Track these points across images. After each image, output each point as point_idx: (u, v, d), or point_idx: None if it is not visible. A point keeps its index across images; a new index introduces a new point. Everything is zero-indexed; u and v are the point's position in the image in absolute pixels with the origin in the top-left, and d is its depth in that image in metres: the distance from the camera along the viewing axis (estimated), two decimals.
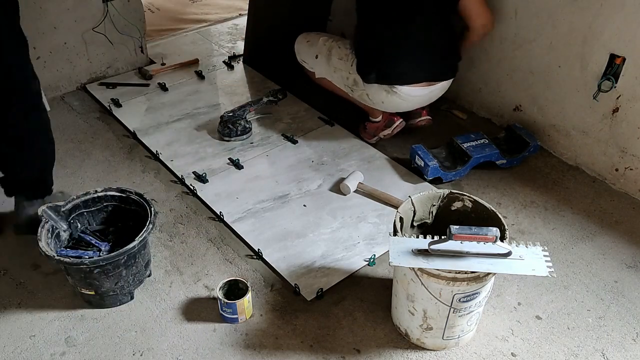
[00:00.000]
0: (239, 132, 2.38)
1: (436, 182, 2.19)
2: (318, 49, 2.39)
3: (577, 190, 2.16)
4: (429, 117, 2.41)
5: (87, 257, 1.65)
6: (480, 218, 1.55)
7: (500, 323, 1.68)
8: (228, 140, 2.39)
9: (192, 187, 2.15)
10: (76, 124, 2.51)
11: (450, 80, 2.25)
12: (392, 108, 2.27)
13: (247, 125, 2.41)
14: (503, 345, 1.62)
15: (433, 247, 1.37)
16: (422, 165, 2.17)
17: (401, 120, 2.35)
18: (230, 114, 2.40)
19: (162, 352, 1.59)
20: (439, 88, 2.22)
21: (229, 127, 2.37)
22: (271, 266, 1.84)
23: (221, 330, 1.65)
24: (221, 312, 1.65)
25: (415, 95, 2.19)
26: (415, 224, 1.65)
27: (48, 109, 2.46)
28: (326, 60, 2.35)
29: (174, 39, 3.23)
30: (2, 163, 1.82)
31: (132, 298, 1.73)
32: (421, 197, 1.61)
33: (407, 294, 1.51)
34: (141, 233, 1.62)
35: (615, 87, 2.02)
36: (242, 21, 3.46)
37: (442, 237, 1.36)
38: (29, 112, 1.74)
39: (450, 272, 1.38)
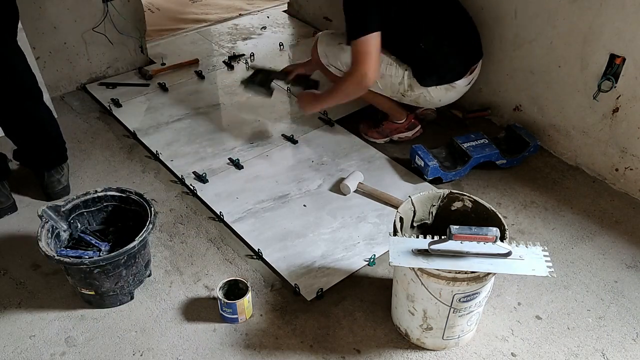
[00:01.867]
0: (256, 82, 2.41)
1: (436, 182, 2.19)
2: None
3: (577, 190, 2.16)
4: (434, 108, 2.45)
5: (87, 257, 1.65)
6: (480, 218, 1.55)
7: (500, 323, 1.68)
8: (245, 85, 2.44)
9: (192, 187, 2.15)
10: (76, 124, 2.51)
11: (481, 61, 2.29)
12: (446, 101, 2.30)
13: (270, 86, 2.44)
14: (503, 345, 1.62)
15: (433, 247, 1.37)
16: (422, 165, 2.17)
17: (420, 126, 2.40)
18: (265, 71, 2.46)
19: (162, 352, 1.59)
20: (477, 71, 2.27)
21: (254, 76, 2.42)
22: (271, 266, 1.84)
23: (221, 330, 1.65)
24: (221, 312, 1.65)
25: (465, 85, 2.24)
26: (415, 224, 1.65)
27: (55, 116, 2.51)
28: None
29: (174, 39, 3.23)
30: (24, 143, 2.06)
31: (132, 298, 1.73)
32: (421, 197, 1.61)
33: (407, 294, 1.51)
34: (141, 233, 1.62)
35: (615, 87, 2.02)
36: (242, 21, 3.47)
37: (442, 237, 1.36)
38: (40, 100, 2.01)
39: (450, 272, 1.38)
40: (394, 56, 2.17)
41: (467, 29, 2.24)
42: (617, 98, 2.04)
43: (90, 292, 1.65)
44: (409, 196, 1.61)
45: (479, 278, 1.40)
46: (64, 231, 1.73)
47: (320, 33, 2.36)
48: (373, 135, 2.42)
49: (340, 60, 2.20)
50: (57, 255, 1.59)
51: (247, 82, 2.43)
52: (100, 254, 1.68)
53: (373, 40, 1.96)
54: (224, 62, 2.98)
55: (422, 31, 2.12)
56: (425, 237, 1.42)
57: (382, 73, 2.16)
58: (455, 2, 2.22)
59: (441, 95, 2.22)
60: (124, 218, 1.81)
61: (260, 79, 2.43)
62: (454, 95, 2.26)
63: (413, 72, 2.16)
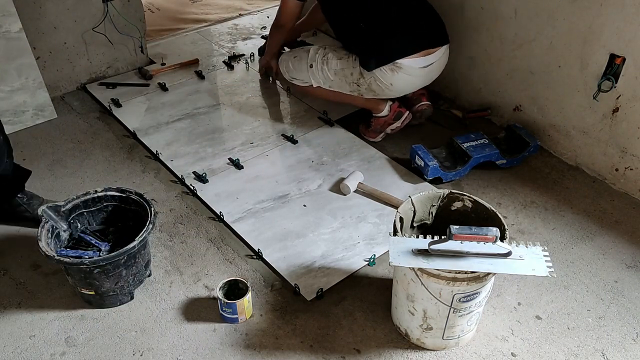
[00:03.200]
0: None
1: (436, 182, 2.19)
2: (310, 58, 2.38)
3: (577, 190, 2.16)
4: (429, 103, 2.44)
5: (87, 257, 1.65)
6: (480, 218, 1.55)
7: (500, 323, 1.68)
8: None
9: (192, 187, 2.15)
10: (76, 124, 2.51)
11: (445, 49, 2.28)
12: (403, 87, 2.29)
13: None
14: (503, 345, 1.62)
15: (433, 247, 1.37)
16: (422, 165, 2.17)
17: (408, 112, 2.37)
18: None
19: (162, 352, 1.59)
20: (438, 57, 2.25)
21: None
22: (271, 266, 1.84)
23: (221, 330, 1.65)
24: (221, 312, 1.66)
25: (419, 67, 2.22)
26: (415, 224, 1.65)
27: (55, 116, 2.52)
28: (323, 65, 2.34)
29: (174, 39, 3.23)
30: None
31: (132, 298, 1.73)
32: (421, 197, 1.61)
33: (407, 294, 1.51)
34: (141, 233, 1.62)
35: (615, 87, 2.02)
36: (242, 21, 3.47)
37: (442, 237, 1.36)
38: None
39: (450, 272, 1.38)
40: (344, 51, 2.31)
41: (422, 13, 2.27)
42: (617, 98, 2.04)
43: (90, 292, 1.65)
44: (409, 196, 1.61)
45: (479, 278, 1.40)
46: (64, 231, 1.73)
47: (282, 56, 2.56)
48: (370, 135, 2.42)
49: (300, 70, 2.42)
50: (57, 255, 1.59)
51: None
52: (100, 254, 1.68)
53: (288, 4, 2.46)
54: (224, 62, 2.98)
55: (363, 12, 2.22)
56: (425, 237, 1.42)
57: (335, 69, 2.31)
58: None
59: (390, 78, 2.22)
60: (124, 218, 1.81)
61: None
62: (409, 79, 2.24)
63: (360, 59, 2.24)
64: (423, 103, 2.43)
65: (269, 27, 3.34)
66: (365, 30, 2.21)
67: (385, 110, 2.36)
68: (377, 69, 2.20)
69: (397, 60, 2.17)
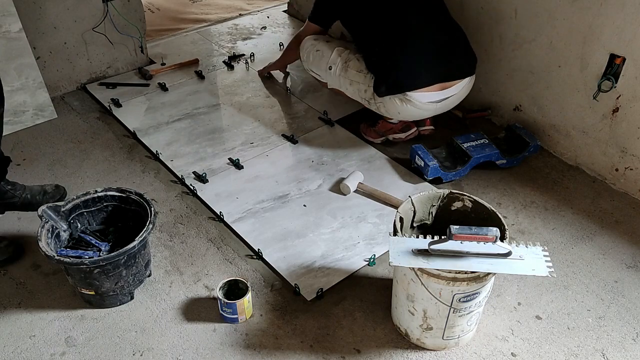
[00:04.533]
0: None
1: (436, 182, 2.19)
2: (332, 60, 2.31)
3: (577, 190, 2.16)
4: (432, 127, 2.40)
5: (87, 257, 1.65)
6: (480, 218, 1.55)
7: (500, 323, 1.68)
8: None
9: (192, 187, 2.15)
10: (76, 124, 2.51)
11: (467, 81, 2.20)
12: (409, 117, 2.26)
13: None
14: (503, 345, 1.62)
15: (433, 247, 1.37)
16: (422, 165, 2.17)
17: (416, 128, 2.36)
18: None
19: (162, 352, 1.59)
20: (455, 90, 2.18)
21: None
22: (271, 266, 1.84)
23: (221, 330, 1.65)
24: (221, 312, 1.66)
25: (429, 101, 2.15)
26: (415, 224, 1.65)
27: (55, 116, 2.52)
28: (342, 73, 2.29)
29: (174, 39, 3.23)
30: None
31: (132, 298, 1.73)
32: (421, 197, 1.61)
33: (407, 294, 1.51)
34: (141, 233, 1.62)
35: (615, 87, 2.02)
36: (242, 21, 3.47)
37: (442, 237, 1.36)
38: None
39: (450, 272, 1.38)
40: (364, 64, 2.23)
41: (448, 41, 2.16)
42: (617, 98, 2.04)
43: (90, 292, 1.65)
44: (409, 196, 1.61)
45: (479, 278, 1.40)
46: (64, 231, 1.73)
47: (306, 37, 2.46)
48: (371, 135, 2.42)
49: (319, 67, 2.38)
50: (57, 255, 1.59)
51: None
52: (100, 254, 1.68)
53: (309, 27, 2.46)
54: (224, 62, 2.98)
55: (383, 36, 2.13)
56: (425, 237, 1.42)
57: (351, 80, 2.27)
58: (444, 17, 2.18)
59: (398, 107, 2.16)
60: (124, 218, 1.81)
61: None
62: (415, 110, 2.17)
63: (374, 80, 2.18)
64: (427, 127, 2.39)
65: (269, 28, 3.36)
66: (380, 54, 2.14)
67: (395, 119, 2.35)
68: (386, 97, 2.16)
69: (408, 93, 2.11)
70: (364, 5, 2.20)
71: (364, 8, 2.20)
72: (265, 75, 2.86)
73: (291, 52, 2.62)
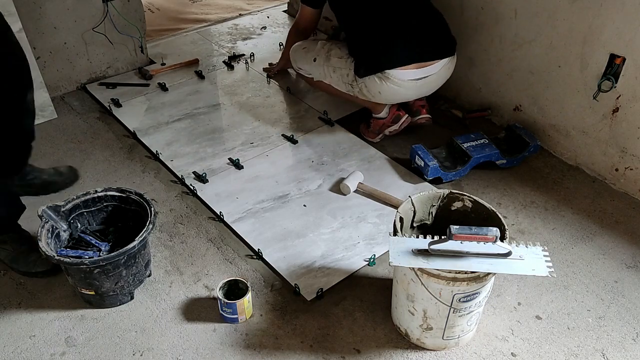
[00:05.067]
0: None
1: (436, 182, 2.19)
2: (316, 52, 2.40)
3: (577, 190, 2.16)
4: (429, 116, 2.41)
5: (87, 257, 1.65)
6: (480, 218, 1.55)
7: (500, 323, 1.68)
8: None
9: (192, 187, 2.15)
10: (76, 124, 2.51)
11: (446, 61, 2.24)
12: (391, 97, 2.28)
13: None
14: (503, 345, 1.62)
15: (433, 247, 1.37)
16: (422, 165, 2.17)
17: (407, 115, 2.36)
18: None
19: (162, 352, 1.59)
20: (435, 70, 2.22)
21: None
22: (271, 266, 1.84)
23: (221, 330, 1.65)
24: (221, 312, 1.66)
25: (409, 79, 2.20)
26: (415, 224, 1.65)
27: (55, 116, 2.52)
28: (325, 61, 2.36)
29: (174, 39, 3.23)
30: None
31: (132, 298, 1.73)
32: (421, 197, 1.61)
33: (407, 294, 1.51)
34: (141, 233, 1.62)
35: (615, 87, 2.02)
36: (242, 21, 3.47)
37: (442, 237, 1.36)
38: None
39: (450, 272, 1.38)
40: (346, 50, 2.32)
41: (426, 23, 2.23)
42: (617, 98, 2.04)
43: (90, 292, 1.65)
44: (409, 196, 1.61)
45: (479, 278, 1.40)
46: (64, 231, 1.73)
47: (294, 45, 2.56)
48: (369, 135, 2.42)
49: (306, 61, 2.46)
50: (57, 255, 1.59)
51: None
52: (100, 254, 1.68)
53: (304, 11, 2.55)
54: (224, 62, 2.98)
55: (361, 16, 2.23)
56: (425, 237, 1.42)
57: (334, 67, 2.34)
58: (422, 2, 2.25)
59: (378, 86, 2.21)
60: (124, 218, 1.80)
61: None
62: (398, 90, 2.21)
63: (354, 62, 2.26)
64: (423, 116, 2.40)
65: (269, 28, 3.36)
66: (360, 36, 2.23)
67: (383, 113, 2.36)
68: (366, 77, 2.21)
69: (386, 70, 2.16)
70: None
71: None
72: (275, 74, 2.87)
73: (292, 40, 2.65)
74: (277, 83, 2.81)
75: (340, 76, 2.32)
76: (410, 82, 2.19)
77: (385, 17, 2.18)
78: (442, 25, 2.26)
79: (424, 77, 2.21)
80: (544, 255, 1.39)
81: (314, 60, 2.41)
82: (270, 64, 2.94)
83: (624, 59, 1.96)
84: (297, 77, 2.75)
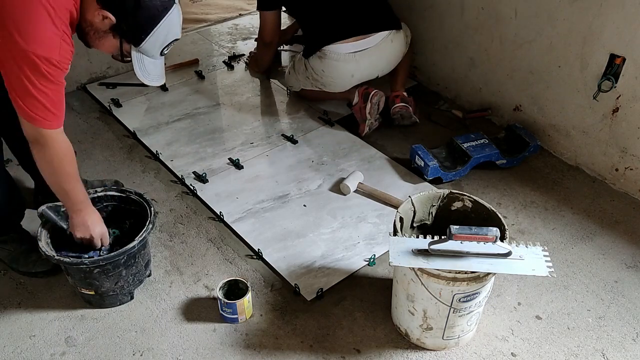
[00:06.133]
0: None
1: (436, 182, 2.19)
2: (290, 66, 2.59)
3: (577, 190, 2.16)
4: (404, 104, 2.38)
5: (86, 256, 1.65)
6: (480, 218, 1.55)
7: (500, 323, 1.68)
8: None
9: (192, 187, 2.15)
10: (76, 124, 2.51)
11: (387, 34, 2.31)
12: (336, 74, 2.35)
13: None
14: (503, 345, 1.62)
15: (433, 247, 1.37)
16: (422, 165, 2.17)
17: (376, 90, 2.36)
18: None
19: (162, 352, 1.59)
20: (374, 42, 2.28)
21: None
22: (271, 266, 1.84)
23: (221, 330, 1.65)
24: (221, 312, 1.66)
25: (346, 52, 2.26)
26: (415, 224, 1.65)
27: None
28: (293, 70, 2.53)
29: None
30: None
31: (132, 298, 1.73)
32: (421, 197, 1.61)
33: (407, 294, 1.51)
34: (141, 233, 1.62)
35: (615, 87, 2.02)
36: (242, 21, 3.47)
37: (442, 237, 1.36)
38: None
39: (450, 272, 1.38)
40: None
41: (369, 4, 2.32)
42: (617, 98, 2.04)
43: (90, 292, 1.65)
44: (409, 196, 1.61)
45: (479, 278, 1.40)
46: (64, 231, 1.73)
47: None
48: (360, 129, 2.42)
49: (289, 77, 2.61)
50: (57, 255, 1.59)
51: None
52: (100, 254, 1.68)
53: (267, 17, 2.53)
54: (224, 62, 2.98)
55: (305, 7, 2.36)
56: (425, 237, 1.42)
57: (298, 69, 2.48)
58: None
59: (320, 65, 2.33)
60: (124, 218, 1.80)
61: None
62: (340, 65, 2.31)
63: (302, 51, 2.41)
64: (397, 105, 2.39)
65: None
66: (304, 20, 2.38)
67: (355, 97, 2.41)
68: (310, 58, 2.33)
69: (324, 47, 2.27)
70: None
71: None
72: (264, 75, 2.89)
73: (264, 55, 2.74)
74: (277, 83, 2.81)
75: (302, 73, 2.44)
76: (348, 55, 2.28)
77: (321, 3, 2.31)
78: (381, 2, 2.37)
79: (363, 50, 2.29)
80: (544, 255, 1.40)
81: (289, 73, 2.56)
82: (251, 53, 3.00)
83: (624, 59, 1.96)
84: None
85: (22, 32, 1.31)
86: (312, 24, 2.38)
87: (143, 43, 1.50)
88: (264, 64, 2.81)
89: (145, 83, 1.61)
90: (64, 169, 1.50)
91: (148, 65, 1.57)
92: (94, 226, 1.62)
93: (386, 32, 2.32)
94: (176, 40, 1.60)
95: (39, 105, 1.38)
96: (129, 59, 1.55)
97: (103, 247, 1.73)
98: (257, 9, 2.53)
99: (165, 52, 1.58)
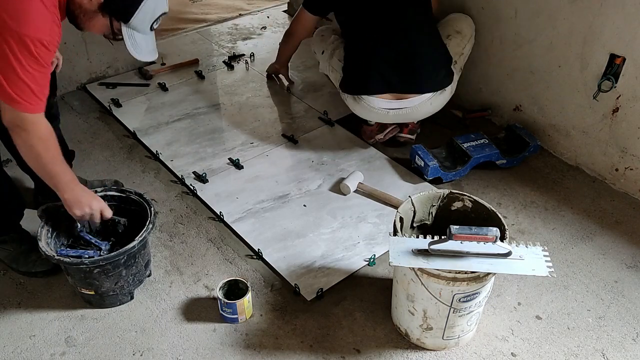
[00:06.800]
0: None
1: (436, 182, 2.19)
2: (326, 45, 2.41)
3: (577, 190, 2.16)
4: (409, 136, 2.35)
5: (87, 256, 1.65)
6: (480, 218, 1.55)
7: (500, 323, 1.68)
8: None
9: (192, 187, 2.15)
10: (76, 124, 2.51)
11: (430, 97, 2.16)
12: (367, 116, 2.29)
13: None
14: (503, 345, 1.62)
15: (433, 247, 1.37)
16: (422, 165, 2.17)
17: (394, 126, 2.35)
18: None
19: (162, 352, 1.59)
20: (412, 104, 2.16)
21: None
22: (271, 266, 1.84)
23: (221, 330, 1.65)
24: (221, 312, 1.66)
25: (382, 108, 2.17)
26: (415, 224, 1.65)
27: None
28: (328, 58, 2.37)
29: (174, 39, 3.23)
30: None
31: (132, 298, 1.73)
32: (421, 197, 1.61)
33: (407, 294, 1.51)
34: (141, 233, 1.62)
35: (615, 87, 2.02)
36: (242, 21, 3.47)
37: (442, 237, 1.36)
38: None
39: (450, 272, 1.38)
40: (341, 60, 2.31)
41: (414, 56, 2.13)
42: (617, 98, 2.04)
43: (90, 292, 1.65)
44: (409, 196, 1.61)
45: (479, 278, 1.40)
46: (64, 231, 1.73)
47: (319, 28, 2.55)
48: (364, 136, 2.42)
49: (318, 49, 2.47)
50: (57, 255, 1.59)
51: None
52: (101, 253, 1.68)
53: (304, 16, 2.43)
54: (224, 62, 2.98)
55: (355, 35, 2.22)
56: (425, 237, 1.42)
57: (333, 68, 2.36)
58: (423, 31, 2.18)
59: (352, 104, 2.24)
60: (124, 218, 1.80)
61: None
62: (369, 112, 2.20)
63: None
64: (403, 135, 2.36)
65: (269, 28, 3.36)
66: (348, 52, 2.25)
67: (373, 121, 2.35)
68: (346, 94, 2.25)
69: (361, 95, 2.17)
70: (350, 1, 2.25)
71: (349, 4, 2.25)
72: (272, 77, 2.83)
73: (286, 45, 2.63)
74: (277, 83, 2.81)
75: (335, 80, 2.35)
76: (383, 110, 2.17)
77: (374, 38, 2.14)
78: (435, 56, 2.17)
79: (398, 109, 2.17)
80: (544, 255, 1.40)
81: (322, 52, 2.42)
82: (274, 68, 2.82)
83: (624, 59, 1.96)
84: (298, 78, 2.74)
85: (12, 15, 1.32)
86: (353, 65, 2.21)
87: (132, 18, 1.52)
88: (282, 56, 2.69)
89: (138, 59, 1.64)
90: (49, 152, 1.50)
91: (140, 42, 1.60)
92: (89, 201, 1.61)
93: (429, 95, 2.14)
94: (164, 14, 1.62)
95: (25, 89, 1.38)
96: (121, 37, 1.57)
97: (103, 248, 1.73)
98: (301, 5, 2.42)
99: (155, 27, 1.61)
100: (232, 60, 2.99)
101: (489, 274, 1.41)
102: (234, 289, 1.68)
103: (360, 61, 2.18)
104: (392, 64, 2.13)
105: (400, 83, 2.14)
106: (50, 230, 1.67)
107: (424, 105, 2.17)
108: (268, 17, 3.52)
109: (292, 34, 2.56)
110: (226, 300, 1.61)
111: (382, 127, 2.35)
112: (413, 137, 2.37)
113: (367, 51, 2.16)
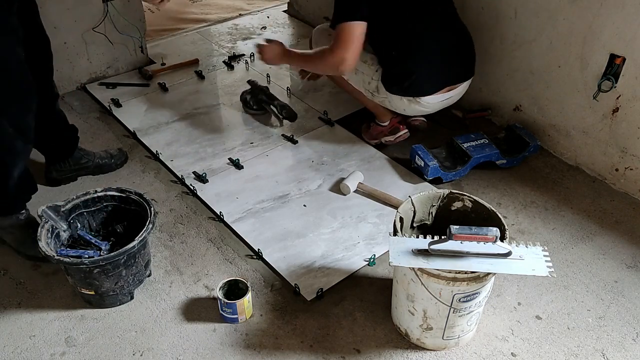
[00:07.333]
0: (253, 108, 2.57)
1: (436, 182, 2.19)
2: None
3: (577, 190, 2.16)
4: (424, 119, 2.42)
5: (87, 256, 1.65)
6: (480, 218, 1.55)
7: (500, 323, 1.68)
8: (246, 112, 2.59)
9: (192, 187, 2.15)
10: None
11: (470, 81, 2.24)
12: (412, 113, 2.29)
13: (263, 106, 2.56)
14: (503, 345, 1.62)
15: (433, 247, 1.37)
16: (422, 165, 2.17)
17: (406, 131, 2.35)
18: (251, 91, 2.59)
19: (162, 352, 1.59)
20: (459, 90, 2.22)
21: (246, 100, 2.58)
22: (271, 266, 1.84)
23: (221, 330, 1.65)
24: (221, 312, 1.66)
25: (437, 102, 2.19)
26: (415, 224, 1.65)
27: None
28: (360, 69, 2.20)
29: (174, 39, 3.23)
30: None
31: (132, 298, 1.73)
32: (421, 197, 1.61)
33: (407, 294, 1.51)
34: (141, 233, 1.62)
35: (615, 87, 2.02)
36: (242, 21, 3.47)
37: (442, 237, 1.36)
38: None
39: (450, 272, 1.38)
40: (371, 55, 2.18)
41: (458, 48, 2.17)
42: (617, 98, 2.04)
43: (90, 292, 1.65)
44: (409, 196, 1.61)
45: (479, 278, 1.40)
46: (64, 231, 1.73)
47: (318, 27, 2.46)
48: (366, 136, 2.42)
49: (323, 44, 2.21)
50: (57, 255, 1.59)
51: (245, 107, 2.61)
52: (101, 253, 1.68)
53: (357, 29, 1.93)
54: (224, 62, 2.98)
55: (400, 40, 2.09)
56: (425, 237, 1.42)
57: (357, 68, 2.18)
58: (454, 18, 2.18)
59: (404, 105, 2.19)
60: (124, 218, 1.80)
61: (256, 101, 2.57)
62: (422, 109, 2.20)
63: (382, 75, 2.16)
64: (417, 117, 2.41)
65: (269, 28, 3.36)
66: (397, 58, 2.10)
67: (385, 122, 2.35)
68: (397, 95, 2.14)
69: (419, 97, 2.13)
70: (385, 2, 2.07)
71: (384, 5, 2.05)
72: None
73: (313, 62, 2.17)
74: (277, 83, 2.81)
75: (362, 81, 2.23)
76: (437, 103, 2.20)
77: (419, 38, 2.08)
78: (469, 43, 2.22)
79: (449, 98, 2.22)
80: (544, 255, 1.39)
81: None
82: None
83: (624, 59, 1.96)
84: (299, 79, 2.65)
85: None
86: (408, 68, 2.07)
87: None
88: (292, 53, 2.20)
89: None
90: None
91: None
92: None
93: (468, 82, 2.22)
94: None
95: None
96: None
97: (103, 248, 1.73)
98: (335, 23, 1.95)
99: None
100: (232, 60, 2.99)
101: (489, 274, 1.41)
102: (234, 289, 1.68)
103: (414, 68, 2.08)
104: (443, 58, 2.13)
105: (453, 75, 2.18)
106: (51, 230, 1.67)
107: (462, 89, 2.24)
108: (268, 17, 3.52)
109: (343, 59, 1.97)
110: (226, 300, 1.61)
111: (394, 129, 2.35)
112: (425, 120, 2.41)
113: (418, 55, 2.09)
